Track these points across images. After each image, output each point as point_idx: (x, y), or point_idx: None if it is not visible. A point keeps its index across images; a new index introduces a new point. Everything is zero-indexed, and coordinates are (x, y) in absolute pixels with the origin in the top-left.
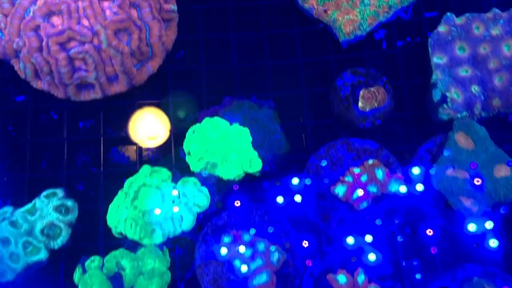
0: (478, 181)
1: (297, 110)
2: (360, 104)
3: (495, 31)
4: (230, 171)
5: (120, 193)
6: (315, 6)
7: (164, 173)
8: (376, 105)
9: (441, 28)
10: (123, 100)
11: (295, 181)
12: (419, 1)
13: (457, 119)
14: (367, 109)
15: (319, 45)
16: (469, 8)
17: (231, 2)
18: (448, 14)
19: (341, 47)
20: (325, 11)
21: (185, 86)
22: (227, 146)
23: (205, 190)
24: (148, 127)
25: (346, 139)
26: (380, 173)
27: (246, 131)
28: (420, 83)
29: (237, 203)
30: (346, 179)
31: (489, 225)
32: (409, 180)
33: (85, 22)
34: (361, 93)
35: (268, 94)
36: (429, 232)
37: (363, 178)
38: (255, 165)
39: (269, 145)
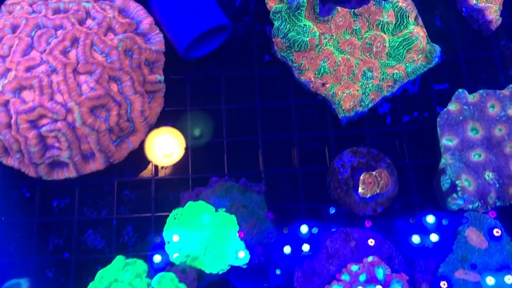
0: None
1: (291, 192)
2: (360, 189)
3: None
4: (214, 264)
5: (90, 286)
6: (312, 79)
7: (139, 266)
8: (378, 191)
9: (452, 106)
10: (101, 177)
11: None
12: (427, 73)
13: (468, 212)
14: (368, 195)
15: (316, 119)
16: (483, 78)
17: (223, 71)
18: (460, 90)
19: (341, 123)
20: (323, 85)
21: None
22: (211, 235)
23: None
24: (163, 145)
25: (344, 229)
26: (380, 273)
27: (233, 218)
28: (428, 164)
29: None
30: (343, 277)
31: None
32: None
33: (58, 98)
34: (361, 177)
35: (259, 173)
36: None
37: (362, 278)
38: (242, 257)
39: (259, 235)
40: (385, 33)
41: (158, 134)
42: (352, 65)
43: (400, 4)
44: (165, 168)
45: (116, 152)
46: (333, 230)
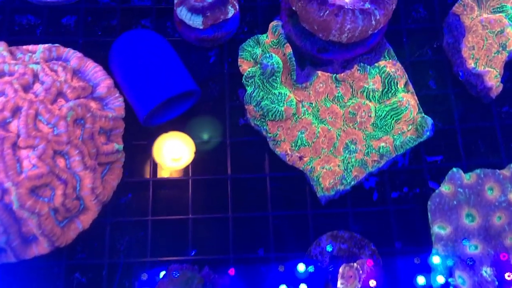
0: None
1: (262, 282)
2: (339, 285)
3: None
4: None
5: None
6: (288, 152)
7: None
8: (359, 286)
9: (445, 188)
10: (47, 261)
11: None
12: (420, 143)
13: None
14: None
15: (294, 194)
16: (482, 150)
17: (192, 137)
18: (454, 170)
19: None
20: (301, 158)
21: (129, 239)
22: None
23: None
24: (172, 149)
25: None
26: None
27: None
28: (420, 250)
29: None
30: None
31: None
32: None
33: None
34: (340, 270)
35: (227, 257)
36: None
37: None
38: None
39: None
40: (370, 101)
41: (167, 137)
42: (333, 137)
43: (387, 69)
44: (121, 248)
45: (63, 235)
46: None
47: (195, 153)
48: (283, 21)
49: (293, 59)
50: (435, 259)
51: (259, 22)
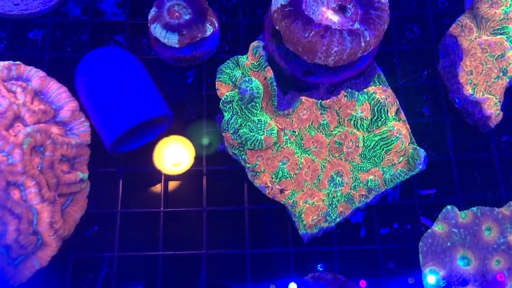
0: None
1: None
2: None
3: None
4: None
5: None
6: (268, 184)
7: None
8: None
9: (438, 228)
10: None
11: None
12: (412, 177)
13: None
14: None
15: (274, 230)
16: (479, 183)
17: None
18: (449, 208)
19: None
20: (282, 191)
21: (94, 276)
22: None
23: None
24: (172, 154)
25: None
26: None
27: None
28: None
29: None
30: None
31: None
32: None
33: None
34: None
35: None
36: None
37: None
38: None
39: None
40: (358, 130)
41: (168, 142)
42: (317, 168)
43: (377, 96)
44: (85, 286)
45: (16, 274)
46: None
47: (194, 158)
48: (266, 41)
49: (275, 83)
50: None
51: (241, 41)
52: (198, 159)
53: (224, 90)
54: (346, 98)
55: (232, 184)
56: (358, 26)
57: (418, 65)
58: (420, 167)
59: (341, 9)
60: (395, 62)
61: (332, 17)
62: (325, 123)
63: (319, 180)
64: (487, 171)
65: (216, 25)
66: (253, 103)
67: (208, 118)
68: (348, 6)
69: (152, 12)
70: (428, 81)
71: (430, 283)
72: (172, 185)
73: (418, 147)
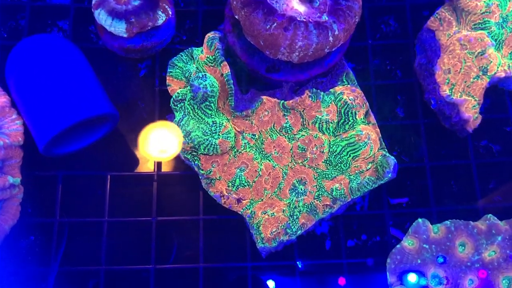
0: None
1: None
2: None
3: (489, 254)
4: None
5: None
6: (224, 193)
7: None
8: None
9: (408, 243)
10: None
11: None
12: (382, 187)
13: None
14: None
15: (232, 243)
16: (455, 192)
17: (110, 169)
18: (420, 221)
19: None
20: (239, 201)
21: None
22: None
23: None
24: (158, 141)
25: None
26: None
27: None
28: None
29: None
30: None
31: None
32: None
33: None
34: None
35: None
36: None
37: None
38: None
39: None
40: (324, 133)
41: (153, 128)
42: (278, 176)
43: (345, 97)
44: None
45: None
46: None
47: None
48: (227, 31)
49: (232, 81)
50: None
51: (200, 30)
52: (148, 163)
53: (175, 87)
54: (310, 98)
55: (185, 191)
56: (326, 18)
57: (393, 62)
58: (390, 175)
59: None
60: (367, 58)
61: (298, 7)
62: (288, 126)
63: (280, 188)
64: (464, 179)
65: (170, 12)
66: (207, 103)
67: (161, 116)
68: None
69: None
70: (403, 80)
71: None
72: (119, 190)
73: (387, 154)
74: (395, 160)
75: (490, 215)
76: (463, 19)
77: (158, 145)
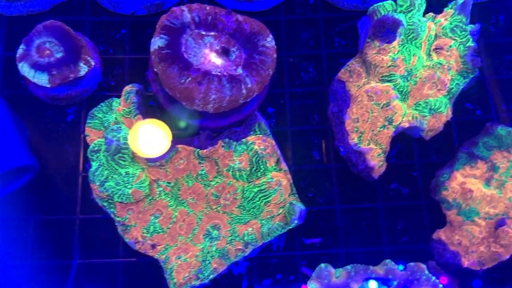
0: None
1: None
2: None
3: None
4: None
5: None
6: (139, 239)
7: None
8: None
9: (311, 287)
10: None
11: None
12: (296, 228)
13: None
14: None
15: (151, 286)
16: (364, 234)
17: (34, 213)
18: (322, 266)
19: None
20: (154, 246)
21: None
22: None
23: None
24: (149, 136)
25: None
26: None
27: None
28: None
29: None
30: None
31: None
32: None
33: None
34: None
35: None
36: None
37: None
38: None
39: None
40: (238, 180)
41: (144, 125)
42: (192, 222)
43: (255, 147)
44: None
45: None
46: None
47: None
48: (151, 80)
49: None
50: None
51: (126, 77)
52: (71, 206)
53: (94, 137)
54: (223, 148)
55: (107, 234)
56: (241, 72)
57: (311, 107)
58: (296, 222)
59: (224, 52)
60: (286, 104)
61: (215, 60)
62: (203, 173)
63: (194, 234)
64: (373, 221)
65: (93, 63)
66: (120, 155)
67: (86, 161)
68: (232, 49)
69: (20, 49)
70: (319, 126)
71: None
72: (41, 234)
73: (294, 202)
74: (302, 207)
75: (388, 260)
76: (372, 71)
77: (149, 142)
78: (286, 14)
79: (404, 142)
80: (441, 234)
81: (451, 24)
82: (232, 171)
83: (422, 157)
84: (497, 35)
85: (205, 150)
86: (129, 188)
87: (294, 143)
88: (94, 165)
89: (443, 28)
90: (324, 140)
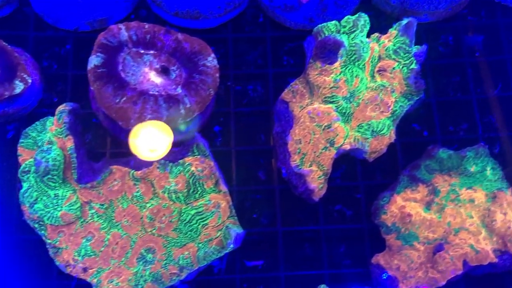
0: None
1: None
2: None
3: None
4: None
5: None
6: (71, 262)
7: None
8: None
9: None
10: None
11: None
12: (237, 251)
13: None
14: None
15: None
16: (308, 254)
17: None
18: None
19: None
20: (85, 270)
21: None
22: None
23: None
24: (149, 139)
25: None
26: None
27: None
28: None
29: None
30: None
31: None
32: None
33: None
34: None
35: None
36: None
37: None
38: None
39: None
40: (175, 202)
41: (144, 127)
42: (126, 245)
43: (192, 168)
44: None
45: None
46: None
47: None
48: (91, 97)
49: (75, 155)
50: None
51: (68, 94)
52: (7, 225)
53: (26, 157)
54: (158, 169)
55: (41, 254)
56: (180, 91)
57: (257, 127)
58: (232, 246)
59: (164, 71)
60: (229, 123)
61: (155, 79)
62: (138, 195)
63: (127, 257)
64: (315, 243)
65: (29, 81)
66: (49, 176)
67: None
68: (172, 68)
69: None
70: (265, 146)
71: None
72: None
73: (231, 225)
74: (238, 231)
75: (323, 285)
76: (315, 91)
77: (148, 144)
78: (234, 32)
79: (350, 163)
80: (380, 259)
81: (394, 45)
82: (168, 193)
83: (366, 179)
84: (446, 56)
85: (139, 172)
86: (59, 211)
87: (239, 162)
88: (25, 186)
89: (386, 49)
90: (270, 160)
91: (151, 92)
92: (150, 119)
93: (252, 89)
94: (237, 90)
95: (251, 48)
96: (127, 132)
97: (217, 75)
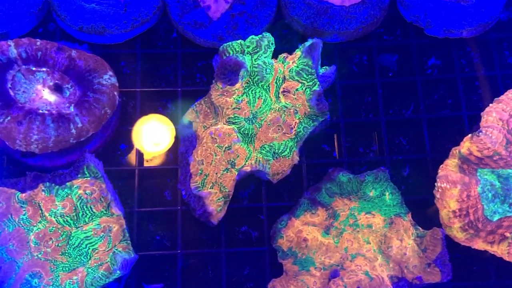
0: None
1: None
2: None
3: None
4: None
5: None
6: None
7: None
8: None
9: None
10: None
11: None
12: (136, 274)
13: None
14: None
15: None
16: (212, 276)
17: None
18: None
19: None
20: None
21: None
22: None
23: None
24: (152, 133)
25: None
26: None
27: None
28: None
29: None
30: None
31: None
32: None
33: None
34: None
35: None
36: None
37: None
38: None
39: None
40: (64, 226)
41: (147, 121)
42: (10, 270)
43: (80, 191)
44: None
45: None
46: None
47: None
48: None
49: None
50: None
51: None
52: None
53: None
54: (43, 192)
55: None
56: (72, 110)
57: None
58: (119, 272)
59: (57, 89)
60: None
61: (48, 96)
62: (25, 218)
63: (9, 284)
64: (218, 266)
65: None
66: None
67: None
68: (67, 86)
69: None
70: (172, 165)
71: None
72: None
73: (118, 251)
74: (126, 256)
75: None
76: (220, 111)
77: (152, 138)
78: (143, 47)
79: (258, 183)
80: (276, 284)
81: (297, 67)
82: (55, 216)
83: (270, 200)
84: (360, 76)
85: (24, 194)
86: None
87: (145, 182)
88: None
89: (290, 71)
90: (176, 180)
91: (40, 111)
92: (36, 140)
93: (163, 106)
94: (145, 107)
95: (164, 64)
96: (21, 151)
97: (115, 93)
